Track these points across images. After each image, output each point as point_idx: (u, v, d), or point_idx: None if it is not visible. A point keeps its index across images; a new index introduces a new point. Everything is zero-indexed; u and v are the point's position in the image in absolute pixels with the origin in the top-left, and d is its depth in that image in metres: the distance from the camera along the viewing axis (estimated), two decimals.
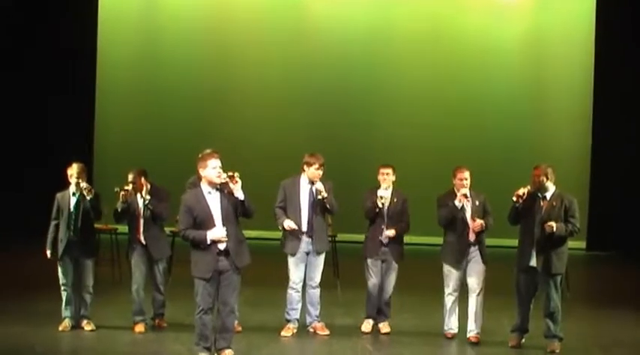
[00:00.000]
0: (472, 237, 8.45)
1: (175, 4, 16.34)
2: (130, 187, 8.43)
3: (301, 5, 16.33)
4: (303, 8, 16.31)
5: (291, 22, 16.11)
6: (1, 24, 15.39)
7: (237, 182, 7.09)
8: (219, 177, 7.08)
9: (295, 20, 16.16)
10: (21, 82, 15.48)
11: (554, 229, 7.90)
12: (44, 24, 15.54)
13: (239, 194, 7.11)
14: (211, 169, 7.10)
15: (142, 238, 8.52)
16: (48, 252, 8.47)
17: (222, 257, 7.11)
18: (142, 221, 8.52)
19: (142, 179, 8.53)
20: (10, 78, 15.43)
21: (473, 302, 8.48)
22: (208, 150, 8.37)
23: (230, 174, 7.09)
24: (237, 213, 7.19)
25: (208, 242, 7.05)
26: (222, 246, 7.10)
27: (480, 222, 8.37)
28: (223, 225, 7.08)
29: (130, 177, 8.48)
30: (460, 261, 8.48)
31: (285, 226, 8.49)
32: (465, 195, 8.41)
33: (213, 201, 7.12)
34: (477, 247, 8.46)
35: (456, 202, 8.42)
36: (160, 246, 8.65)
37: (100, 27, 15.94)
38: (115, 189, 8.43)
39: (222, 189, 7.13)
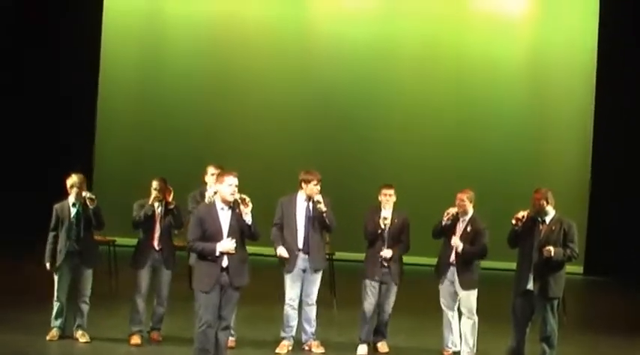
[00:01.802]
0: (452, 258, 8.50)
1: (179, 14, 16.33)
2: (158, 193, 8.50)
3: (304, 21, 16.36)
4: (306, 24, 16.33)
5: (294, 37, 16.13)
6: (2, 24, 15.39)
7: (247, 205, 7.12)
8: (232, 194, 7.11)
9: (298, 35, 16.18)
10: (21, 83, 15.47)
11: (552, 254, 7.88)
12: (44, 25, 15.50)
13: (247, 218, 7.14)
14: (227, 186, 7.13)
15: (156, 244, 8.52)
16: (47, 264, 8.45)
17: (224, 273, 7.11)
18: (157, 227, 8.54)
19: (168, 185, 8.58)
20: (9, 79, 15.40)
21: (462, 323, 8.55)
22: (212, 165, 8.48)
23: (242, 196, 7.12)
24: (244, 234, 7.22)
25: (217, 253, 7.06)
26: (224, 263, 7.09)
27: (457, 241, 8.38)
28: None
29: (155, 184, 8.53)
30: (439, 277, 8.60)
31: (277, 253, 8.54)
32: (451, 214, 8.46)
33: (224, 218, 7.15)
34: (455, 269, 8.47)
35: (443, 220, 8.50)
36: (171, 255, 8.68)
37: (104, 34, 15.95)
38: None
39: (235, 208, 7.16)
